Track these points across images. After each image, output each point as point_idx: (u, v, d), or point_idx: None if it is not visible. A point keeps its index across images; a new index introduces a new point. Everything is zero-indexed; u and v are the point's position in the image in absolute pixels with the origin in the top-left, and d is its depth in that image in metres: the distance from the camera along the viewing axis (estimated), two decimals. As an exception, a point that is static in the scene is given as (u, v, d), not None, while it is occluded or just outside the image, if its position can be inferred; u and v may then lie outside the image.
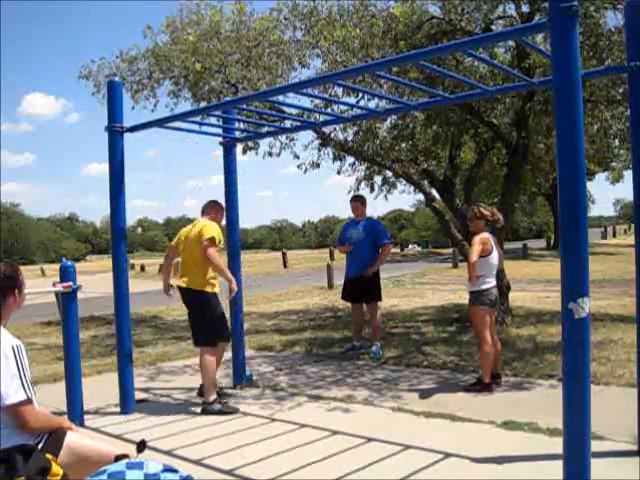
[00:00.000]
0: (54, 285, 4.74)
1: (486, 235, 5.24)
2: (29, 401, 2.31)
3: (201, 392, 5.21)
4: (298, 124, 6.67)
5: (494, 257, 5.24)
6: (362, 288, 7.03)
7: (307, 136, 9.31)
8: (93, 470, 1.52)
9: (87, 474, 1.56)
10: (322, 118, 6.59)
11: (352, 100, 7.37)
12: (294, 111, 7.28)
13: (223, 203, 5.60)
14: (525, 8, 7.26)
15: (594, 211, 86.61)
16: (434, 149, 9.37)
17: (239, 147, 6.78)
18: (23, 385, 2.28)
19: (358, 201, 7.31)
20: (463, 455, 3.69)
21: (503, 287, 8.59)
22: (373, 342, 7.02)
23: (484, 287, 5.17)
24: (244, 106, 5.89)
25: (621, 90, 6.67)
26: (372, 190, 9.95)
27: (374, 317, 7.08)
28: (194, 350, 7.31)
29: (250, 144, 8.40)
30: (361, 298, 7.15)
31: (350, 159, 9.45)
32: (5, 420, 2.27)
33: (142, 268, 32.19)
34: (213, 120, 6.08)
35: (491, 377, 5.20)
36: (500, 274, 8.59)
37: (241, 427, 4.52)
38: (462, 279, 16.26)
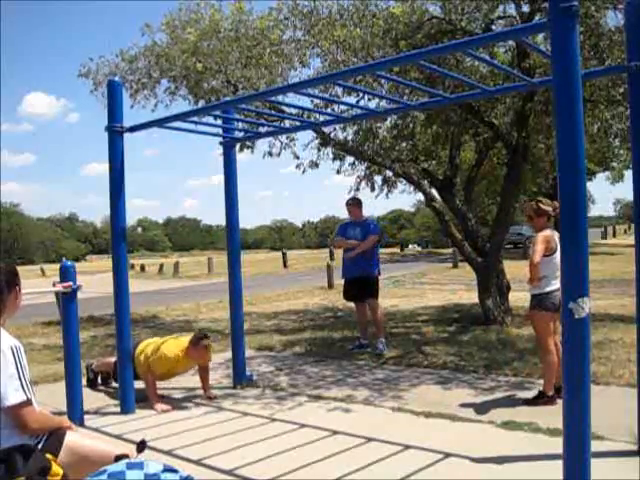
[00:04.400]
0: (54, 285, 4.75)
1: (549, 232, 4.76)
2: (28, 402, 2.30)
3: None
4: (298, 124, 6.68)
5: (558, 256, 4.63)
6: (361, 287, 7.23)
7: (307, 136, 9.28)
8: (93, 470, 1.52)
9: (87, 474, 1.56)
10: (322, 118, 6.59)
11: (352, 100, 7.38)
12: (294, 111, 7.28)
13: (223, 203, 5.63)
14: (525, 8, 7.24)
15: (594, 211, 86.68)
16: (434, 149, 9.37)
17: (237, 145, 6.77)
18: (22, 386, 2.28)
19: (351, 205, 7.51)
20: (463, 455, 3.69)
21: (503, 287, 8.61)
22: (378, 339, 7.14)
23: (547, 289, 4.70)
24: (244, 106, 5.89)
25: (621, 90, 6.66)
26: (372, 189, 9.96)
27: (376, 314, 7.23)
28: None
29: (248, 143, 8.40)
30: (362, 297, 7.32)
31: (350, 159, 9.45)
32: (5, 420, 2.26)
33: (142, 268, 32.16)
34: (213, 120, 6.08)
35: (555, 390, 4.77)
36: (500, 274, 8.63)
37: (241, 427, 4.52)
38: (462, 279, 16.30)
